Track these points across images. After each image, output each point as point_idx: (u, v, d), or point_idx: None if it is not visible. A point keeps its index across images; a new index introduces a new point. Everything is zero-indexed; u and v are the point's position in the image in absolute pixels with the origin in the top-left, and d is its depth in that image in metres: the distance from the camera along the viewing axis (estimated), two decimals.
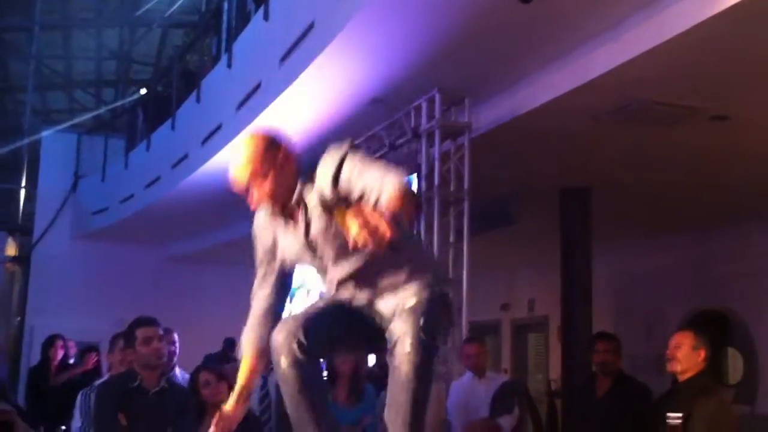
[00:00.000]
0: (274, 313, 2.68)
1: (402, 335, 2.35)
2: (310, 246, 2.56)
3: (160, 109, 10.45)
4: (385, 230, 2.15)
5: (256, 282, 2.74)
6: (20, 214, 12.50)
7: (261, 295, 2.71)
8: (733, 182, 7.03)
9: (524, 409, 5.66)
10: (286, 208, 2.58)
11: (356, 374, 4.72)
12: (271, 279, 2.70)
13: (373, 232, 2.15)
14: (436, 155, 6.31)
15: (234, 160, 2.57)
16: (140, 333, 3.85)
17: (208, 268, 11.17)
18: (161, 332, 3.90)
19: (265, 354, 2.63)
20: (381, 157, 6.79)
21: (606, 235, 8.22)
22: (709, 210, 7.95)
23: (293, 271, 2.73)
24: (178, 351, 5.05)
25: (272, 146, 2.58)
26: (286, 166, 2.55)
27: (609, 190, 7.44)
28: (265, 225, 2.70)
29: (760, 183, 6.89)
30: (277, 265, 2.69)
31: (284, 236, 2.63)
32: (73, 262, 11.51)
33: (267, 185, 2.53)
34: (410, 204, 2.31)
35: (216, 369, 4.17)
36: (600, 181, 7.29)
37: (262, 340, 2.62)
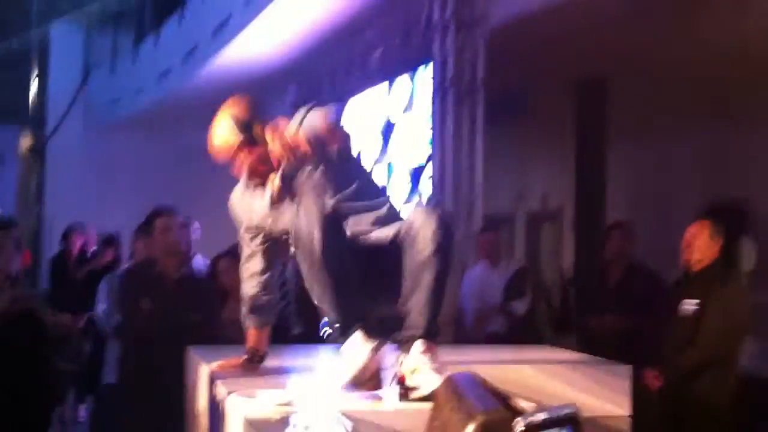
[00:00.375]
0: (267, 288, 2.71)
1: (424, 221, 2.36)
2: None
3: (168, 1, 10.24)
4: (302, 144, 2.33)
5: (243, 260, 2.78)
6: (31, 107, 12.46)
7: (248, 275, 2.74)
8: (752, 70, 6.86)
9: (537, 294, 5.75)
10: (266, 180, 2.58)
11: None
12: (257, 257, 2.72)
13: (288, 146, 2.33)
14: (450, 47, 6.19)
15: (215, 129, 2.60)
16: (159, 223, 3.89)
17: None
18: (180, 221, 3.93)
19: (268, 328, 2.73)
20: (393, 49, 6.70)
21: (621, 126, 8.14)
22: (727, 99, 7.80)
23: (279, 241, 2.70)
24: (199, 239, 5.14)
25: (253, 118, 2.57)
26: (264, 140, 2.52)
27: (625, 82, 7.31)
28: (240, 202, 2.72)
29: None
30: (259, 240, 2.71)
31: (260, 207, 2.64)
32: (88, 155, 11.55)
33: (250, 157, 2.55)
34: (334, 132, 2.46)
35: (236, 255, 4.19)
36: (616, 73, 7.15)
37: (264, 321, 2.71)
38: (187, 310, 3.79)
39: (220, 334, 3.70)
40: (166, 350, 3.53)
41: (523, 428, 1.55)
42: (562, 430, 1.53)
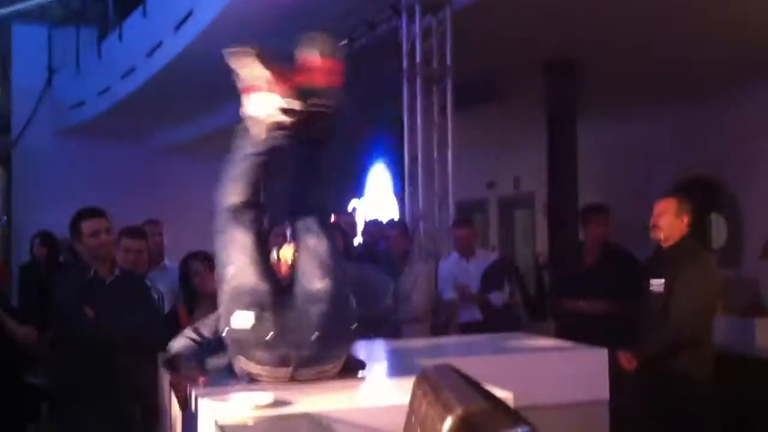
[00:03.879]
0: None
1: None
2: None
3: None
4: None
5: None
6: None
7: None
8: (723, 44, 6.88)
9: (514, 285, 5.76)
10: None
11: None
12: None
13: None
14: (417, 31, 6.15)
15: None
16: (86, 227, 3.71)
17: (190, 160, 11.06)
18: (107, 224, 3.74)
19: None
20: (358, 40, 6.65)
21: (591, 107, 8.15)
22: (698, 76, 7.83)
23: None
24: (165, 242, 5.04)
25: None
26: None
27: (594, 62, 7.31)
28: None
29: (753, 42, 6.75)
30: None
31: None
32: (54, 159, 11.38)
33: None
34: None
35: (207, 257, 4.11)
36: (585, 53, 7.14)
37: None
38: (127, 311, 3.63)
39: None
40: (110, 355, 3.49)
41: None
42: None
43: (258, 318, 2.40)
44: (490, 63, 7.26)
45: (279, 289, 2.44)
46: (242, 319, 2.42)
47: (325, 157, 2.61)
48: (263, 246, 2.51)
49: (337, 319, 2.42)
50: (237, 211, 2.50)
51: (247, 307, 2.42)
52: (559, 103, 7.80)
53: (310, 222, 2.51)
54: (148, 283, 3.93)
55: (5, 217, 10.90)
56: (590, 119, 8.20)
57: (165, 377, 2.94)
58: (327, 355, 2.45)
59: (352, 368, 2.57)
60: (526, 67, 7.48)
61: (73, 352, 3.69)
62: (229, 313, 2.43)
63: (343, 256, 2.71)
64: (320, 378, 2.43)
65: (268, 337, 2.38)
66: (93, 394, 3.61)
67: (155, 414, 3.30)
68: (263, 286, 2.42)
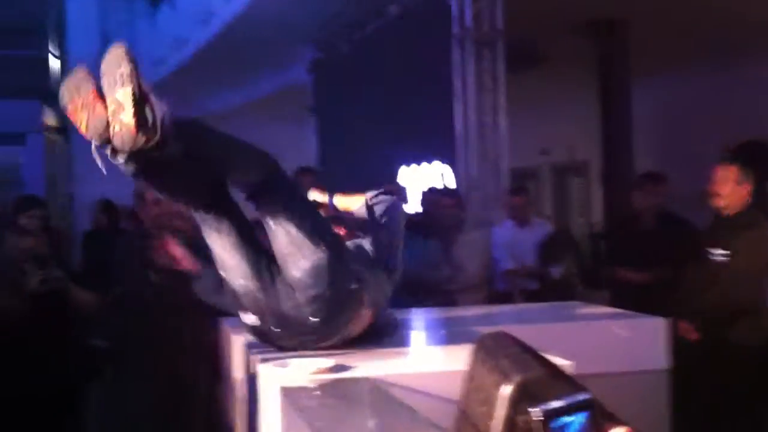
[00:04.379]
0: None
1: None
2: None
3: None
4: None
5: None
6: (51, 82, 12.46)
7: None
8: None
9: (572, 258, 5.74)
10: None
11: None
12: None
13: None
14: None
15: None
16: (150, 194, 3.80)
17: (238, 126, 11.14)
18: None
19: None
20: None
21: (644, 71, 7.98)
22: (750, 36, 7.59)
23: None
24: None
25: None
26: None
27: (646, 22, 7.14)
28: None
29: None
30: None
31: None
32: None
33: None
34: None
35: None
36: (637, 13, 6.98)
37: None
38: (187, 277, 3.73)
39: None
40: (173, 318, 3.58)
41: (541, 416, 1.54)
42: (579, 415, 1.52)
43: (259, 317, 2.37)
44: (539, 26, 7.15)
45: (271, 280, 2.33)
46: (248, 318, 2.42)
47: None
48: (246, 242, 2.35)
49: (332, 292, 2.31)
50: (201, 220, 2.36)
51: (246, 310, 2.39)
52: (612, 67, 7.67)
53: (272, 202, 2.30)
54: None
55: (64, 188, 11.16)
56: (644, 83, 8.04)
57: (229, 340, 3.02)
58: (334, 329, 2.39)
59: (381, 328, 2.54)
60: (576, 28, 7.35)
61: (135, 315, 3.81)
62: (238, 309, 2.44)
63: (324, 221, 2.54)
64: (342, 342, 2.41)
65: (272, 329, 2.38)
66: (155, 357, 3.72)
67: (219, 377, 3.39)
68: (252, 285, 2.32)
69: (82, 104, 2.01)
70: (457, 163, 6.31)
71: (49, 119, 12.06)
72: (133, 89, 1.93)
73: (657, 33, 7.49)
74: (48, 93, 12.37)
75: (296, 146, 8.68)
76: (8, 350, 3.54)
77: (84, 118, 2.02)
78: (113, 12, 12.22)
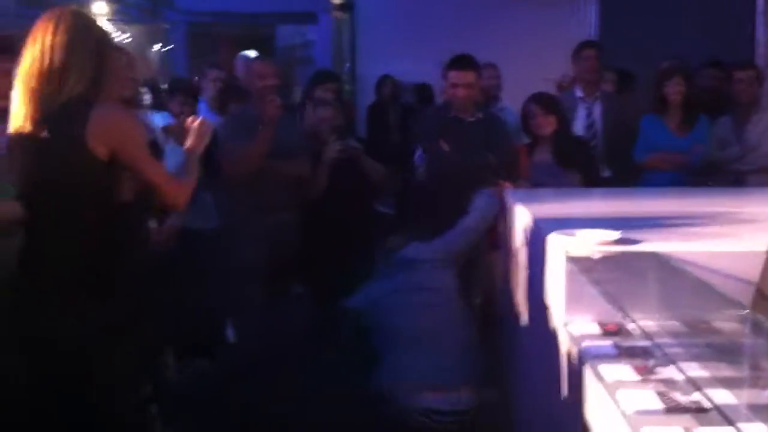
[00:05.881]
0: None
1: None
2: None
3: None
4: None
5: None
6: None
7: None
8: None
9: None
10: None
11: (689, 104, 4.48)
12: None
13: None
14: None
15: None
16: (451, 76, 4.00)
17: (526, 7, 10.91)
18: (470, 78, 3.99)
19: None
20: None
21: None
22: None
23: None
24: (502, 85, 5.18)
25: None
26: None
27: None
28: None
29: None
30: None
31: None
32: (395, 6, 11.85)
33: None
34: None
35: (542, 98, 4.16)
36: None
37: None
38: (483, 149, 3.93)
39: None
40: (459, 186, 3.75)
41: None
42: None
43: None
44: None
45: None
46: None
47: None
48: None
49: None
50: None
51: None
52: None
53: None
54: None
55: (348, 65, 11.73)
56: None
57: (512, 211, 3.13)
58: None
59: None
60: None
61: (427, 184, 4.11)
62: None
63: None
64: None
65: None
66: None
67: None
68: None
69: None
70: (756, 34, 5.75)
71: None
72: None
73: None
74: None
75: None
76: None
77: None
78: None
